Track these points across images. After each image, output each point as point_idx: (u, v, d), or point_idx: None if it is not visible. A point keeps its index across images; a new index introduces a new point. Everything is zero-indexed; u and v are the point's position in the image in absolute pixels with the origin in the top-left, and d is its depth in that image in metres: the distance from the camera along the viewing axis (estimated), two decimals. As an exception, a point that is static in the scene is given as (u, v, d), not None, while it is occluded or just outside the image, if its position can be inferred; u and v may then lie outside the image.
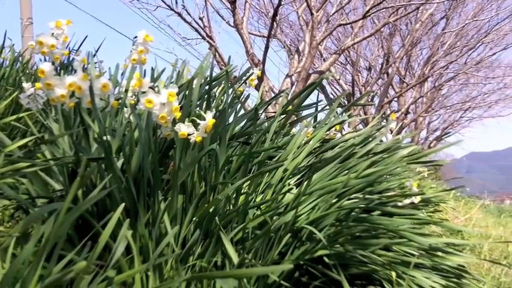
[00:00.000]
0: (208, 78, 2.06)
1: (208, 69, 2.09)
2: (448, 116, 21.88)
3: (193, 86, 1.90)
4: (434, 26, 14.38)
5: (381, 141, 2.12)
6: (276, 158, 1.97)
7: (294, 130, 2.26)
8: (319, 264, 1.71)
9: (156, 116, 1.49)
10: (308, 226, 1.61)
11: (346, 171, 1.86)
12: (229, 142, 2.01)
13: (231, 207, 1.68)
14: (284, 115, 2.12)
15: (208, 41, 8.88)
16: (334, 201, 1.67)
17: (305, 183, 1.68)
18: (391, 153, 2.04)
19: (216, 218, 1.58)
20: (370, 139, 2.05)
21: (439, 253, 1.95)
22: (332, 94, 15.24)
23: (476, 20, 13.62)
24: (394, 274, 1.59)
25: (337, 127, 2.12)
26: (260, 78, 8.44)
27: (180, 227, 1.64)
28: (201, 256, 1.61)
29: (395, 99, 16.07)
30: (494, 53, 16.35)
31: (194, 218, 1.62)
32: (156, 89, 1.57)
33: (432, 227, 5.47)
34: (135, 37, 1.98)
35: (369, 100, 12.82)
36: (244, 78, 2.35)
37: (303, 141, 1.91)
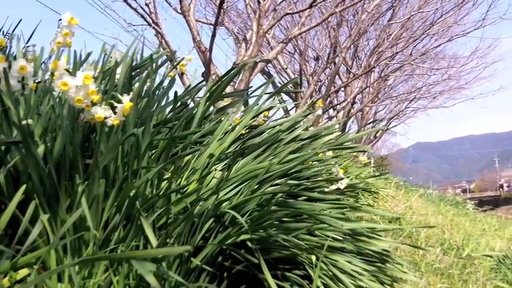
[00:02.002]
0: (144, 63, 2.04)
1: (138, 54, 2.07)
2: (394, 106, 22.24)
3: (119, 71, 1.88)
4: (380, 17, 14.57)
5: (309, 127, 2.14)
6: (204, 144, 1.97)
7: (238, 116, 2.26)
8: (242, 249, 1.72)
9: (72, 99, 1.47)
10: (230, 211, 1.62)
11: (272, 157, 1.87)
12: (159, 127, 2.00)
13: (154, 192, 1.67)
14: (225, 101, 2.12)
15: (154, 28, 8.76)
16: (256, 186, 1.68)
17: (229, 168, 1.69)
18: (316, 139, 2.07)
19: (137, 202, 1.58)
20: (297, 126, 2.08)
21: (364, 238, 1.99)
22: (280, 83, 15.28)
23: (422, 12, 13.87)
24: (314, 258, 1.61)
25: (265, 113, 2.13)
26: (207, 66, 8.40)
27: (102, 211, 1.63)
28: (123, 240, 1.60)
29: (342, 89, 16.26)
30: (439, 45, 16.70)
31: (115, 203, 1.61)
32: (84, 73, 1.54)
33: (371, 215, 5.60)
34: (60, 20, 1.94)
35: (300, 86, 12.96)
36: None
37: (230, 127, 1.92)
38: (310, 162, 2.10)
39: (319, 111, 2.28)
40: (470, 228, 8.02)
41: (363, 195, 5.74)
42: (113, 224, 1.58)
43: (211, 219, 1.67)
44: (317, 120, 14.24)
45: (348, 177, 2.13)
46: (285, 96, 14.14)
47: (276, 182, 1.84)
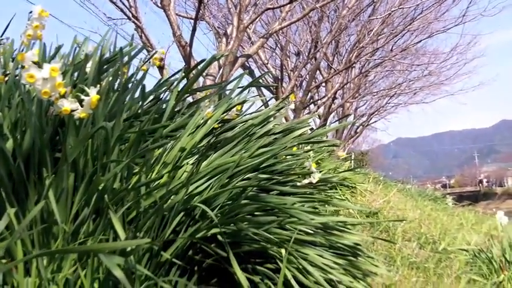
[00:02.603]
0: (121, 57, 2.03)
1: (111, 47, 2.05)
2: (375, 102, 22.39)
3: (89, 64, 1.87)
4: (361, 13, 14.63)
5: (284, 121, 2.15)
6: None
7: (210, 110, 2.24)
8: (213, 243, 1.72)
9: (39, 91, 1.46)
10: (200, 205, 1.62)
11: (244, 151, 1.87)
12: (130, 121, 2.00)
13: (123, 186, 1.66)
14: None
15: (134, 22, 8.70)
16: (226, 180, 1.68)
17: (199, 162, 1.69)
18: (288, 133, 2.07)
19: (106, 196, 1.57)
20: (270, 119, 2.08)
21: (336, 232, 2.00)
22: (262, 79, 15.27)
23: (402, 8, 13.94)
24: (283, 251, 1.62)
25: (238, 107, 2.13)
26: (187, 60, 8.36)
27: (71, 205, 1.62)
28: (92, 234, 1.59)
29: (323, 84, 16.31)
30: (420, 41, 16.84)
31: (84, 197, 1.60)
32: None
33: (350, 209, 5.63)
34: (30, 12, 1.92)
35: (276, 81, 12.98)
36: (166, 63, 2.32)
37: (202, 121, 1.92)
38: (284, 156, 2.11)
39: (292, 105, 2.29)
40: (447, 223, 8.11)
41: (340, 189, 5.77)
42: (82, 217, 1.57)
43: (182, 213, 1.67)
44: (299, 114, 14.25)
45: (321, 171, 2.14)
46: (266, 92, 14.17)
47: (248, 176, 1.84)
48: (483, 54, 20.14)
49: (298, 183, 2.05)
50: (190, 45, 8.26)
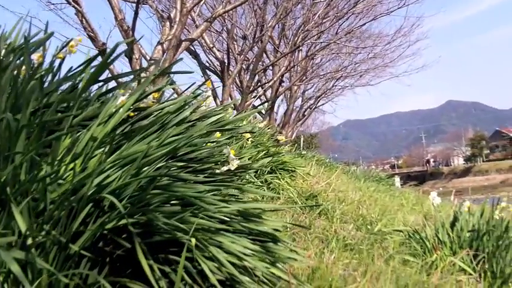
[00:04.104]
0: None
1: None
2: (322, 85, 22.62)
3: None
4: (306, -5, 14.69)
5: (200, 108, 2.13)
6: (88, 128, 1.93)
7: (124, 99, 2.20)
8: (124, 233, 1.70)
9: None
10: (108, 195, 1.60)
11: (157, 140, 1.85)
12: (42, 111, 1.94)
13: (26, 178, 1.62)
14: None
15: (74, 6, 8.48)
16: (136, 170, 1.66)
17: (110, 151, 1.66)
18: (204, 120, 2.06)
19: (8, 188, 1.53)
20: (187, 107, 2.06)
21: (255, 219, 2.01)
22: (208, 62, 15.18)
23: (346, -10, 14.09)
24: (193, 240, 1.61)
25: (155, 95, 2.10)
26: (130, 46, 8.21)
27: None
28: (-6, 228, 1.55)
29: (271, 67, 16.36)
30: (364, 24, 17.05)
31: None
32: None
33: (289, 193, 5.67)
34: None
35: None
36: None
37: (114, 110, 1.88)
38: (209, 144, 2.10)
39: (209, 93, 2.27)
40: (388, 204, 8.27)
41: (280, 173, 5.81)
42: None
43: (91, 204, 1.64)
44: (245, 98, 14.20)
45: (241, 158, 2.14)
46: (213, 77, 14.09)
47: (162, 164, 1.82)
48: (426, 36, 20.57)
49: (217, 171, 2.04)
50: (133, 30, 8.15)
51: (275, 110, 20.73)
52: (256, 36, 13.82)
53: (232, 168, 2.05)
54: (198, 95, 2.17)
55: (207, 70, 13.94)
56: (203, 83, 2.18)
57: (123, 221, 1.62)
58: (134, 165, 1.64)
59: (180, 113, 1.99)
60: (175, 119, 1.98)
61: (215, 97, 13.07)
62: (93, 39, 8.12)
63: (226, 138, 2.33)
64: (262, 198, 5.14)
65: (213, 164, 1.98)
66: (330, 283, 2.83)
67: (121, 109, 1.85)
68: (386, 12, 15.72)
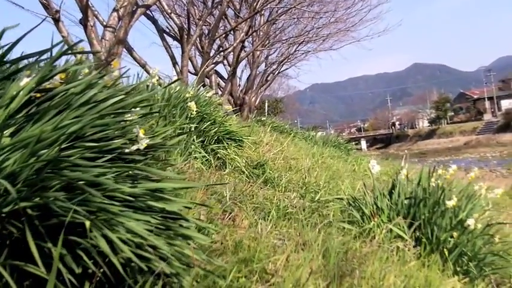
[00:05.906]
0: None
1: None
2: (285, 50, 22.57)
3: None
4: (265, -41, 14.53)
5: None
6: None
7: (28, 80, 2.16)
8: (23, 217, 1.70)
9: None
10: (1, 180, 1.60)
11: (62, 122, 1.84)
12: None
13: None
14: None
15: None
16: (30, 153, 1.66)
17: (7, 134, 1.66)
18: (109, 100, 2.05)
19: None
20: (93, 87, 2.05)
21: (163, 196, 2.03)
22: (168, 28, 14.97)
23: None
24: (88, 223, 1.63)
25: (62, 75, 2.08)
26: (84, 12, 8.03)
27: None
28: None
29: (232, 32, 16.22)
30: (325, -13, 17.01)
31: None
32: None
33: (237, 161, 5.69)
34: None
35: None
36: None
37: (15, 92, 1.86)
38: (115, 124, 2.09)
39: (116, 73, 2.26)
40: (341, 170, 8.35)
41: (227, 143, 5.82)
42: None
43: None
44: (204, 64, 14.05)
45: (153, 136, 2.14)
46: (171, 41, 13.92)
47: (65, 146, 1.82)
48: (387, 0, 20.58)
49: (127, 150, 2.04)
50: (87, -4, 7.97)
51: (238, 75, 20.68)
52: (215, 1, 13.67)
53: (142, 148, 2.06)
54: (105, 74, 2.15)
55: (166, 35, 13.74)
56: (108, 63, 2.16)
57: (23, 204, 1.63)
58: (28, 149, 1.64)
59: (85, 93, 1.98)
60: (81, 100, 1.97)
61: (175, 64, 12.95)
62: (46, 6, 7.90)
63: (152, 113, 2.34)
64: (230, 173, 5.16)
65: (123, 143, 1.99)
66: (257, 254, 2.85)
67: (21, 91, 1.84)
68: (347, -24, 15.70)
